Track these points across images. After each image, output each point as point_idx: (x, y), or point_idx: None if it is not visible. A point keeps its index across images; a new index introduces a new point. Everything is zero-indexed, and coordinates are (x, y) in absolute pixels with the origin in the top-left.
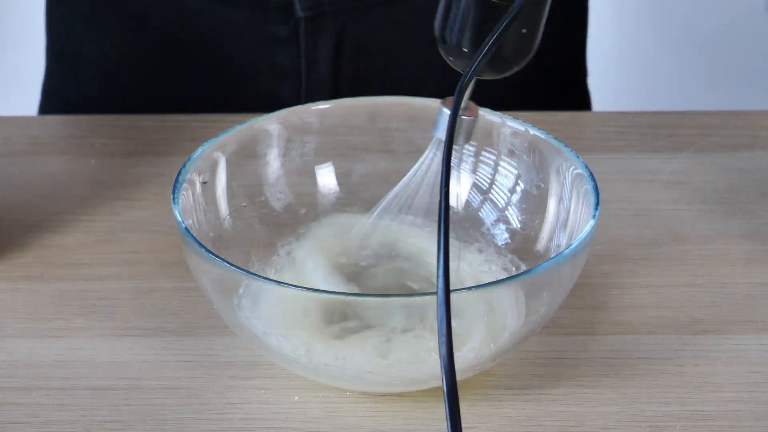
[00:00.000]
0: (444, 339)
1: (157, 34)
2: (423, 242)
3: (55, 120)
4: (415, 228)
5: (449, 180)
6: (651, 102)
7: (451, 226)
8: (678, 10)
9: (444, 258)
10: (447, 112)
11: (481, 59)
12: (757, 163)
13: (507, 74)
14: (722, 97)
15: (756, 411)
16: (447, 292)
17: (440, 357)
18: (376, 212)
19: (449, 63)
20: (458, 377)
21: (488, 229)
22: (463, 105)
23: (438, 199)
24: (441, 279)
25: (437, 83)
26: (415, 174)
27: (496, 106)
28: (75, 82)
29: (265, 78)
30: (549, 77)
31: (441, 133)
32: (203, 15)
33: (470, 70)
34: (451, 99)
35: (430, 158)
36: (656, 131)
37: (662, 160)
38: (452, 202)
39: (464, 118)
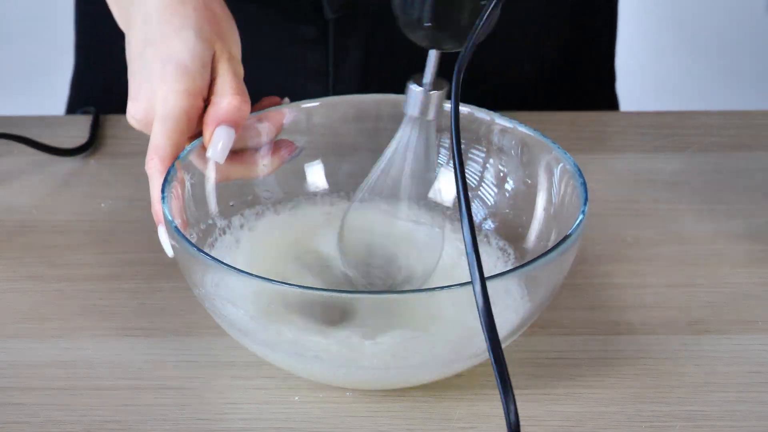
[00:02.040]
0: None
1: None
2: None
3: (55, 120)
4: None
5: (461, 151)
6: (651, 102)
7: (438, 222)
8: (678, 11)
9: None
10: (416, 88)
11: (477, 31)
12: (757, 163)
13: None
14: (722, 97)
15: (756, 411)
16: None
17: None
18: (356, 199)
19: (409, 38)
20: (454, 371)
21: (478, 226)
22: (430, 79)
23: (419, 182)
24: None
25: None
26: (393, 156)
27: (524, 108)
28: (103, 78)
29: (293, 78)
30: (579, 81)
31: (413, 110)
32: (234, 14)
33: (468, 44)
34: (418, 75)
35: (407, 138)
36: (656, 131)
37: (662, 160)
38: (441, 197)
39: (433, 93)
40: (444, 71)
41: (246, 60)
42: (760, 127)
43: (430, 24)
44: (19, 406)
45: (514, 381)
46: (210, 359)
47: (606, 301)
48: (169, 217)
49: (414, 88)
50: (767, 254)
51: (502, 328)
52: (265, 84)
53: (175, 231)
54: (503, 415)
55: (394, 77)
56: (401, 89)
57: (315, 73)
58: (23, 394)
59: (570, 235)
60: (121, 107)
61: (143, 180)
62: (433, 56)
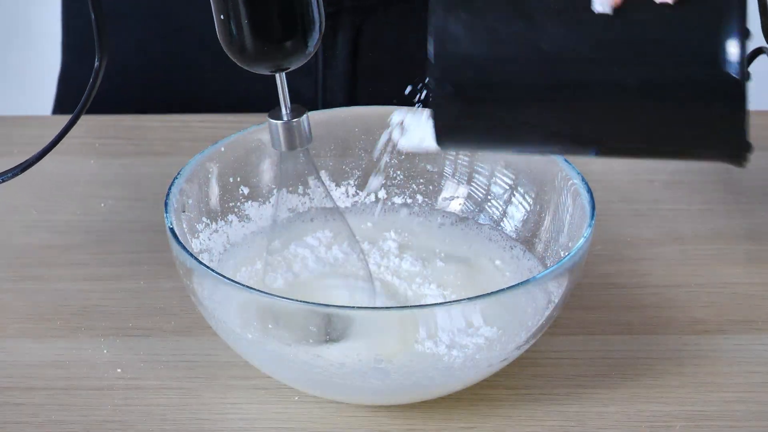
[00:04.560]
0: None
1: (177, 29)
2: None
3: (55, 120)
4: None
5: None
6: None
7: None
8: None
9: None
10: (276, 122)
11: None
12: (757, 163)
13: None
14: None
15: (756, 411)
16: None
17: None
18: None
19: (252, 67)
20: (477, 379)
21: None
22: (287, 108)
23: None
24: None
25: None
26: (280, 199)
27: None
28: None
29: (288, 73)
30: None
31: (281, 146)
32: None
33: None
34: (275, 109)
35: (287, 174)
36: None
37: (662, 160)
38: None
39: (296, 120)
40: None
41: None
42: (760, 127)
43: (253, 47)
44: (19, 406)
45: (515, 381)
46: (210, 359)
47: (606, 301)
48: (173, 230)
49: (275, 123)
50: (767, 254)
51: (533, 325)
52: (253, 82)
53: (172, 237)
54: (505, 414)
55: (382, 71)
56: (389, 84)
57: (303, 70)
58: (23, 394)
59: (573, 252)
60: (110, 104)
61: (143, 180)
62: (282, 81)
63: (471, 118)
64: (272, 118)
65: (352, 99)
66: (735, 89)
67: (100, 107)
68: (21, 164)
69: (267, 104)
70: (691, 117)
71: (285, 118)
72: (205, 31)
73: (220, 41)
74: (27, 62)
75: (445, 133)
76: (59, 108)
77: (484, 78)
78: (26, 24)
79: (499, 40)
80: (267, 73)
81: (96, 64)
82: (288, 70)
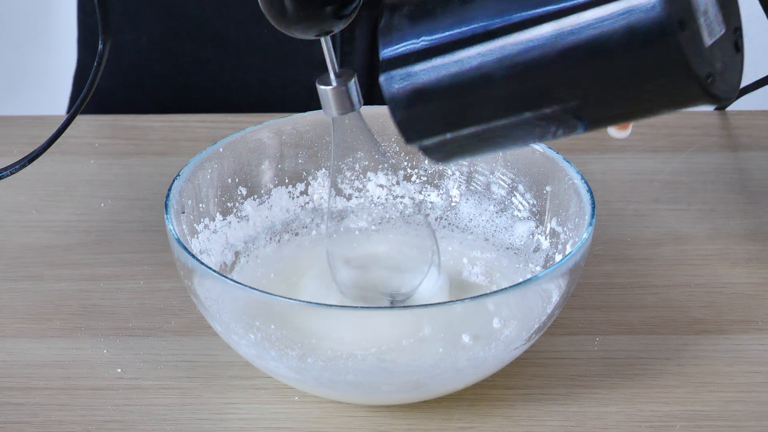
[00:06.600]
0: None
1: (194, 25)
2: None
3: (55, 120)
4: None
5: None
6: None
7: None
8: None
9: None
10: (326, 88)
11: None
12: (757, 163)
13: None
14: None
15: (756, 411)
16: None
17: None
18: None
19: (293, 32)
20: (477, 379)
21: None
22: (336, 72)
23: None
24: None
25: None
26: (338, 163)
27: None
28: (108, 72)
29: (301, 69)
30: None
31: (334, 111)
32: (239, 6)
33: None
34: (324, 75)
35: (341, 139)
36: (656, 131)
37: (662, 160)
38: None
39: (348, 83)
40: None
41: (253, 52)
42: (760, 128)
43: (292, 11)
44: (19, 406)
45: (515, 381)
46: (210, 359)
47: (606, 301)
48: (173, 230)
49: (325, 89)
50: (767, 254)
51: (534, 323)
52: (272, 76)
53: (174, 239)
54: (505, 414)
55: None
56: None
57: (322, 65)
58: (23, 394)
59: (573, 252)
60: (125, 101)
61: (143, 180)
62: (327, 44)
63: (429, 112)
64: (321, 84)
65: (370, 93)
66: (655, 16)
67: (108, 106)
68: (28, 155)
69: (267, 104)
70: (635, 64)
71: (334, 84)
72: (207, 31)
73: (260, 6)
74: (46, 60)
75: (407, 127)
76: (73, 104)
77: (435, 67)
78: (44, 22)
79: (440, 22)
80: (312, 37)
81: (100, 47)
82: (332, 33)
